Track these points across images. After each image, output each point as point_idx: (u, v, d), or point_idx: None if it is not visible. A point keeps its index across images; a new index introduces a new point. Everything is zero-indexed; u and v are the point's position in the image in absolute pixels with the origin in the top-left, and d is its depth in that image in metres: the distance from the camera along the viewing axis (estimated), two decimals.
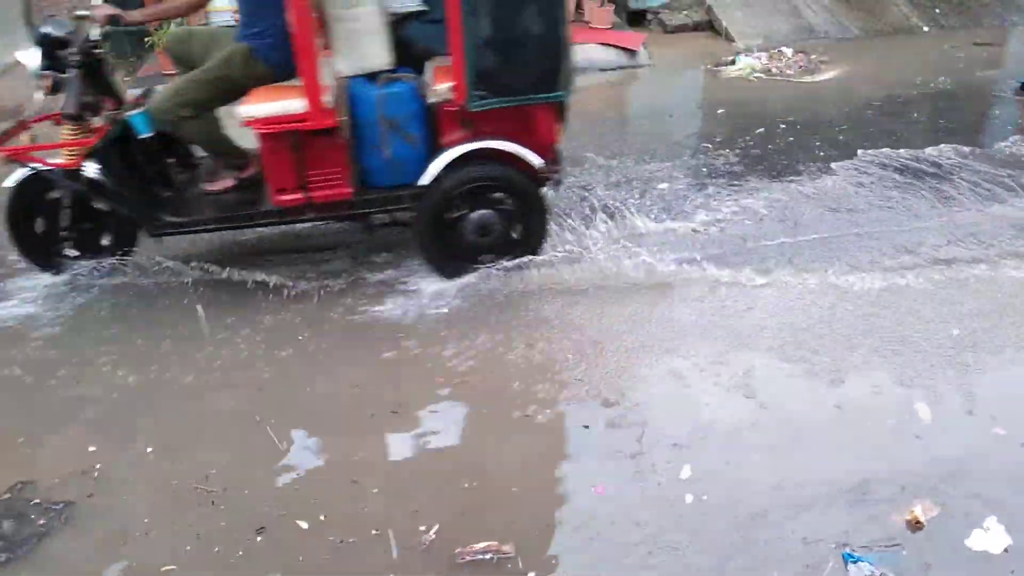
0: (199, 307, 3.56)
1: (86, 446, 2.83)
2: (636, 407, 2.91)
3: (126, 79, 7.13)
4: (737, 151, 5.17)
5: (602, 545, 2.37)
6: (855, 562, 2.25)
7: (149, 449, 2.83)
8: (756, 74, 6.71)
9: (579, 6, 7.67)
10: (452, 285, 3.65)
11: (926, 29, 7.62)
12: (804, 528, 2.38)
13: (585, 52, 7.05)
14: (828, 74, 6.62)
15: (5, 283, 3.84)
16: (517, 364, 3.18)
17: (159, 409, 3.03)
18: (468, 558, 2.31)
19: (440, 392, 3.04)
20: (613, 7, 7.49)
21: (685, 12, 8.01)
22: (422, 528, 2.43)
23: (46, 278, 3.78)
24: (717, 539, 2.37)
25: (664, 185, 4.71)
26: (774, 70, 6.74)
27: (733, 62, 6.94)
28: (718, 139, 5.39)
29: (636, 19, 8.04)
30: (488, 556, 2.31)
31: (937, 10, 7.85)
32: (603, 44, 7.11)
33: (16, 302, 3.71)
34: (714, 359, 3.17)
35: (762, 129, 5.52)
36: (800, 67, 6.77)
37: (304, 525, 2.46)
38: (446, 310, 3.52)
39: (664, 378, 3.10)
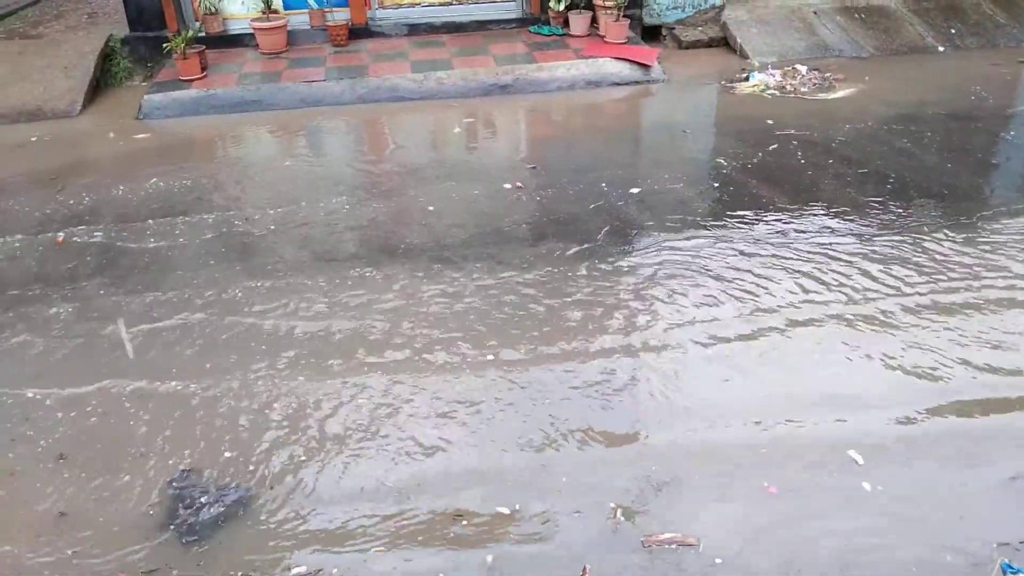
0: None
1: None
2: None
3: (143, 84, 7.20)
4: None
5: (781, 536, 2.51)
6: (1015, 573, 2.27)
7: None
8: (770, 91, 6.70)
9: (594, 20, 7.70)
10: None
11: (941, 49, 7.59)
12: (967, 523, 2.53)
13: (599, 66, 7.08)
14: (842, 92, 6.61)
15: None
16: None
17: None
18: (653, 545, 2.45)
19: None
20: (628, 22, 7.51)
21: (700, 28, 8.02)
22: (612, 504, 2.63)
23: None
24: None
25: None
26: (788, 87, 6.73)
27: (747, 78, 6.93)
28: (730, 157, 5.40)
29: (651, 34, 8.05)
30: (672, 546, 2.45)
31: (953, 30, 7.83)
32: (617, 58, 7.13)
33: None
34: None
35: (775, 146, 5.52)
36: (814, 84, 6.76)
37: (504, 511, 2.61)
38: None
39: None
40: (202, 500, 2.73)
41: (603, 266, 4.07)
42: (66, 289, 4.04)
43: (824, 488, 2.70)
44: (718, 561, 2.43)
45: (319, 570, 2.47)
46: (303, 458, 2.91)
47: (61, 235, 4.61)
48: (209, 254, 4.34)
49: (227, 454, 2.94)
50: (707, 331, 3.52)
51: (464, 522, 2.62)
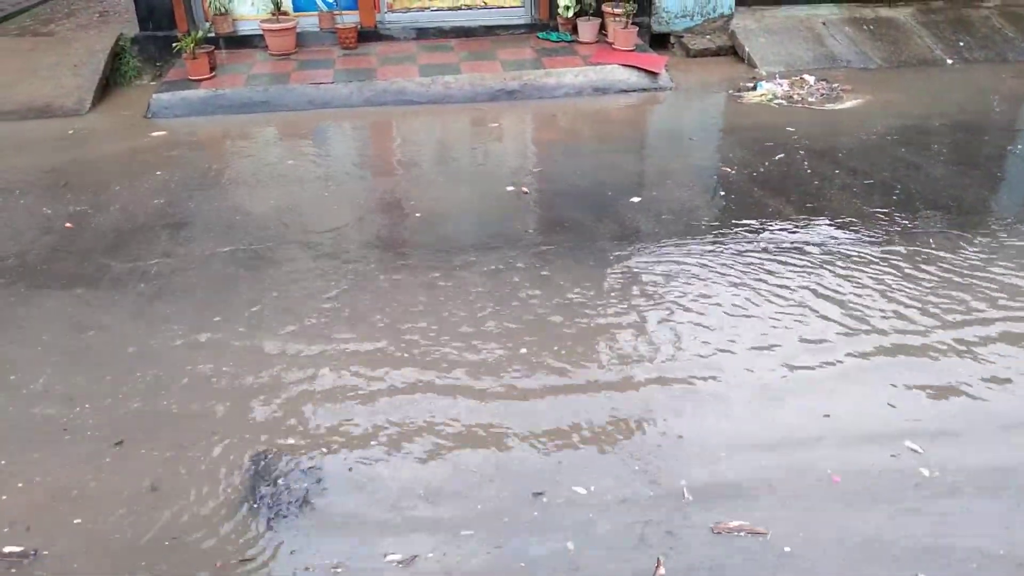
0: None
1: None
2: None
3: (152, 83, 7.24)
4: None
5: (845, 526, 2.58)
6: None
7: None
8: (777, 100, 6.70)
9: (603, 27, 7.72)
10: None
11: (950, 62, 7.59)
12: None
13: (607, 73, 7.09)
14: (849, 103, 6.61)
15: None
16: None
17: None
18: (723, 532, 2.54)
19: None
20: (637, 29, 7.52)
21: (708, 36, 8.02)
22: (683, 483, 2.74)
23: None
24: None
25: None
26: (795, 97, 6.73)
27: (754, 87, 6.93)
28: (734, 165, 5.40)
29: (659, 42, 8.06)
30: (741, 534, 2.53)
31: (961, 43, 7.83)
32: (625, 65, 7.14)
33: None
34: None
35: (782, 155, 5.52)
36: (821, 95, 6.76)
37: (582, 491, 2.70)
38: None
39: None
40: (283, 485, 2.77)
41: (606, 274, 4.07)
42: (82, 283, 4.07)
43: (886, 476, 2.77)
44: (787, 549, 2.48)
45: (414, 556, 2.49)
46: (382, 443, 2.96)
47: (69, 223, 4.70)
48: (214, 250, 4.35)
49: (291, 440, 2.98)
50: (718, 348, 3.52)
51: (545, 499, 2.68)
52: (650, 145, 6.18)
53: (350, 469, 2.84)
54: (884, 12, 8.22)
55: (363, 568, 2.47)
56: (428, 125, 6.47)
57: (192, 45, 6.74)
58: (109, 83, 7.18)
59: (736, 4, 8.08)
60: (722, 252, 4.23)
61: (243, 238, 4.50)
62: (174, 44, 6.96)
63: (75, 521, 2.65)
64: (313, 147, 6.03)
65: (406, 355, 3.44)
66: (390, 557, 2.49)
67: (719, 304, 3.76)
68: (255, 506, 2.68)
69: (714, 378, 3.27)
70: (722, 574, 2.41)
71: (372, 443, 2.96)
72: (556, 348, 3.46)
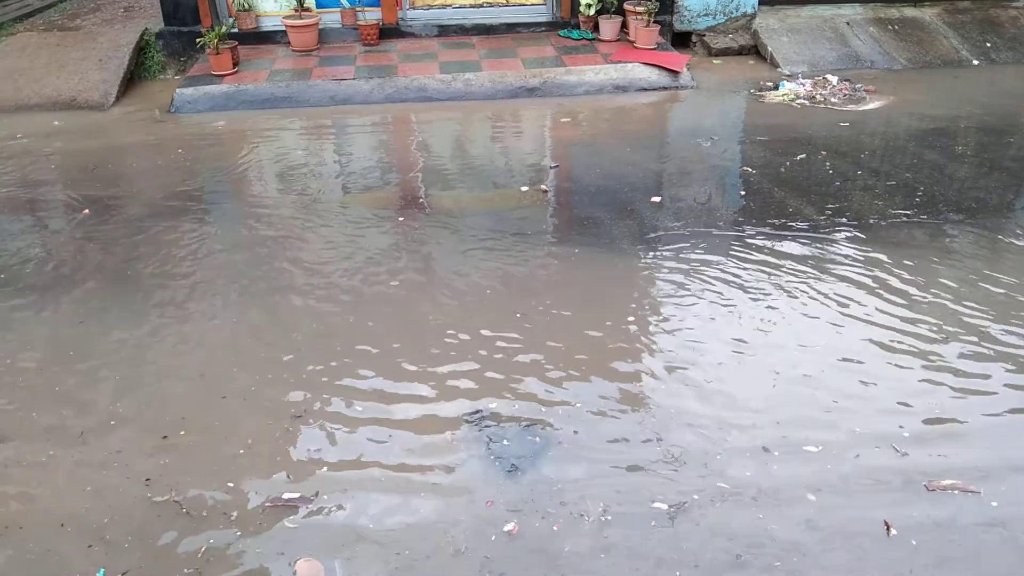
0: None
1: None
2: None
3: (176, 78, 7.31)
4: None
5: None
6: None
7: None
8: (799, 100, 6.65)
9: (624, 25, 7.70)
10: None
11: (976, 63, 7.50)
12: None
13: (628, 71, 7.07)
14: (873, 104, 6.55)
15: None
16: None
17: None
18: (937, 490, 2.63)
19: None
20: (658, 28, 7.49)
21: (731, 35, 7.98)
22: (900, 428, 2.88)
23: None
24: None
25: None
26: (818, 97, 6.68)
27: (776, 87, 6.89)
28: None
29: (681, 40, 8.03)
30: (954, 492, 2.61)
31: (988, 44, 7.73)
32: (646, 64, 7.12)
33: None
34: None
35: (803, 156, 5.48)
36: (844, 95, 6.70)
37: (813, 449, 2.81)
38: None
39: None
40: (511, 440, 2.88)
41: (625, 274, 4.06)
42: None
43: None
44: (994, 504, 2.57)
45: (683, 503, 2.56)
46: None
47: (87, 210, 4.84)
48: (231, 241, 4.40)
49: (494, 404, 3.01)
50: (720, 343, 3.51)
51: (776, 453, 2.79)
52: (671, 144, 6.15)
53: (575, 432, 2.92)
54: (909, 12, 8.14)
55: (631, 513, 2.53)
56: (448, 122, 6.48)
57: (215, 40, 6.80)
58: (134, 77, 7.27)
59: (759, 3, 8.03)
60: (740, 254, 4.21)
61: (265, 231, 4.55)
62: (198, 39, 7.02)
63: (322, 471, 2.74)
64: (333, 143, 6.07)
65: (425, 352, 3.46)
66: (656, 505, 2.55)
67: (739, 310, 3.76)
68: (495, 460, 2.77)
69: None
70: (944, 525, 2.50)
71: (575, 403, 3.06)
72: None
